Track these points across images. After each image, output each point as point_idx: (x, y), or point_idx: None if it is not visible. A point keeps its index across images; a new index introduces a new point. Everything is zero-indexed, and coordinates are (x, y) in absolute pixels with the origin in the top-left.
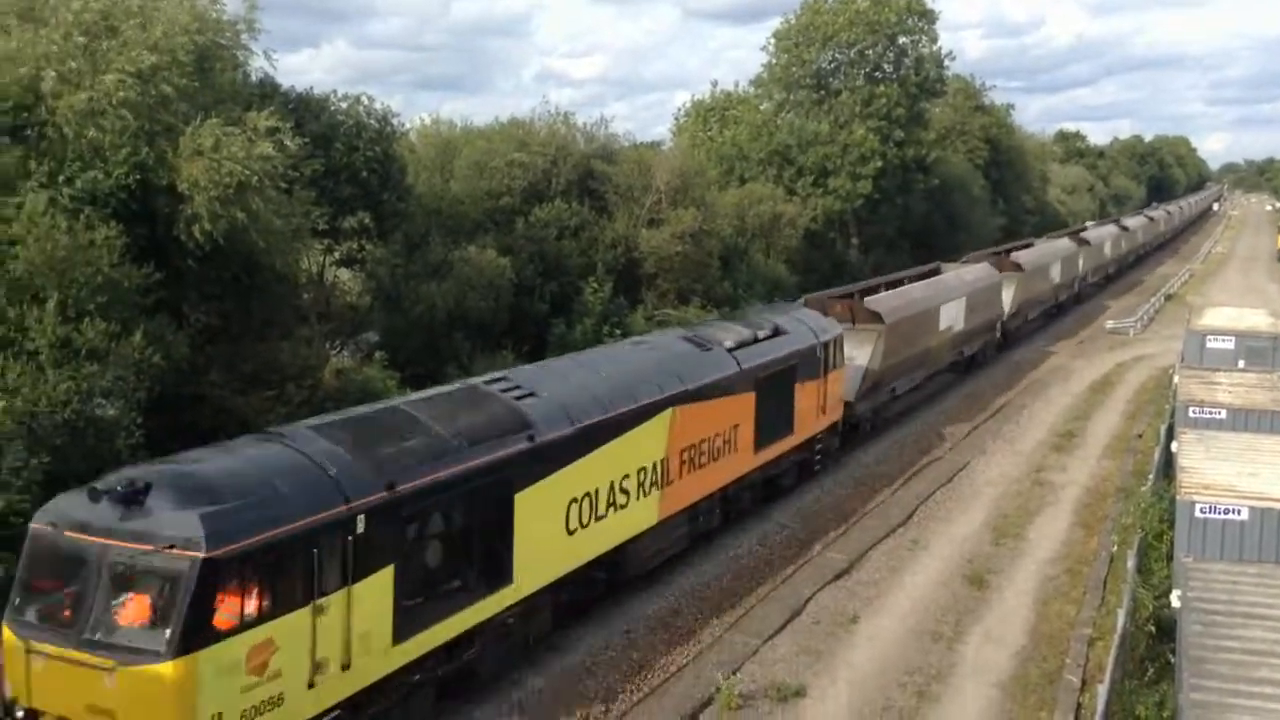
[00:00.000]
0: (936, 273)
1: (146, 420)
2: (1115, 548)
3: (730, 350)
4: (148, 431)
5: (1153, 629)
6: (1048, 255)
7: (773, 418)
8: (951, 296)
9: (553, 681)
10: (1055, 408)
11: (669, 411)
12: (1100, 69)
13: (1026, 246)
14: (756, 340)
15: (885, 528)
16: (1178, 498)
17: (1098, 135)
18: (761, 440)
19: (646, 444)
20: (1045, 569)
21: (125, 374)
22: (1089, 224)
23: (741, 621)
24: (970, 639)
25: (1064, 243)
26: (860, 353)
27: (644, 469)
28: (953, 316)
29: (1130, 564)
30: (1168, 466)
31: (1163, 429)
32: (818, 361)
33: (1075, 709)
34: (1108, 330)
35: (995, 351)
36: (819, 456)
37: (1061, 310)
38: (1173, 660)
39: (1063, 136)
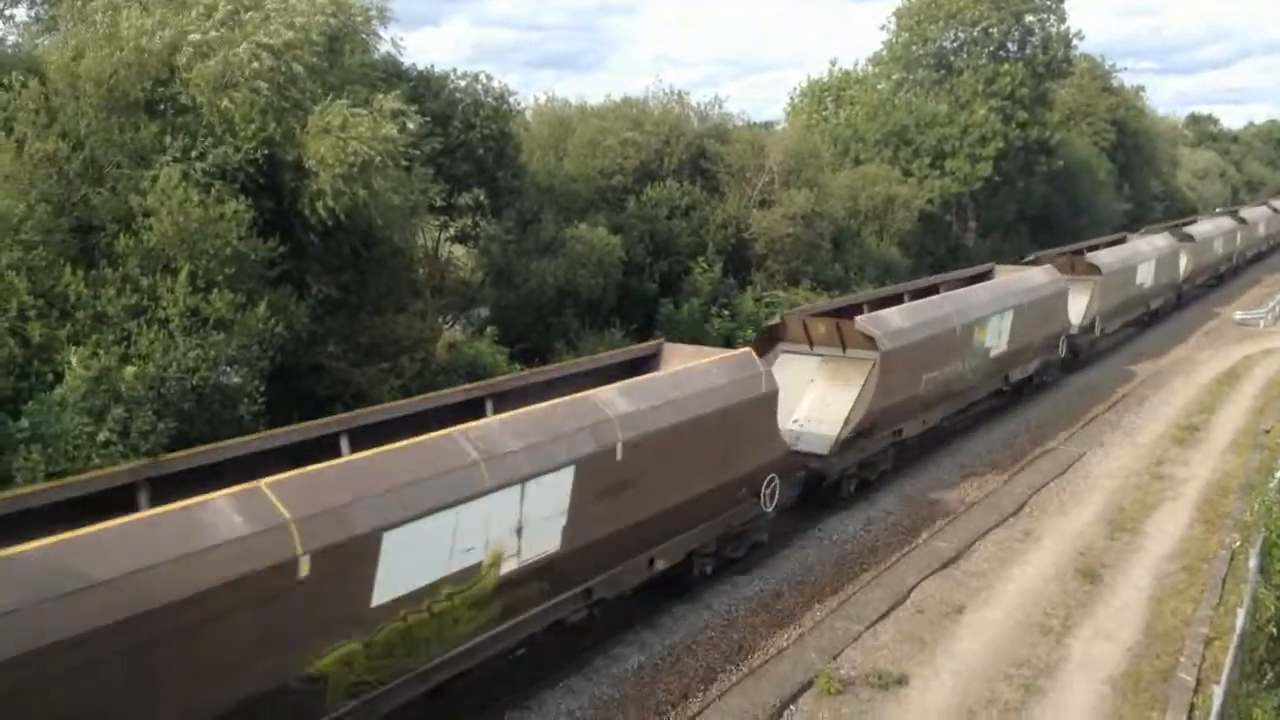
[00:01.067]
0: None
1: (268, 388)
2: (1237, 545)
3: None
4: (269, 399)
5: (1274, 630)
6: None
7: None
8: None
9: (653, 658)
10: (1178, 400)
11: None
12: (1236, 50)
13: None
14: None
15: (995, 518)
16: None
17: (1233, 119)
18: None
19: None
20: (1162, 565)
21: (249, 343)
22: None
23: (844, 607)
24: (1080, 634)
25: (1037, 274)
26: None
27: None
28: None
29: (1252, 563)
30: None
31: None
32: None
33: (1189, 709)
34: (1236, 322)
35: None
36: None
37: (1037, 389)
38: None
39: (1194, 120)
